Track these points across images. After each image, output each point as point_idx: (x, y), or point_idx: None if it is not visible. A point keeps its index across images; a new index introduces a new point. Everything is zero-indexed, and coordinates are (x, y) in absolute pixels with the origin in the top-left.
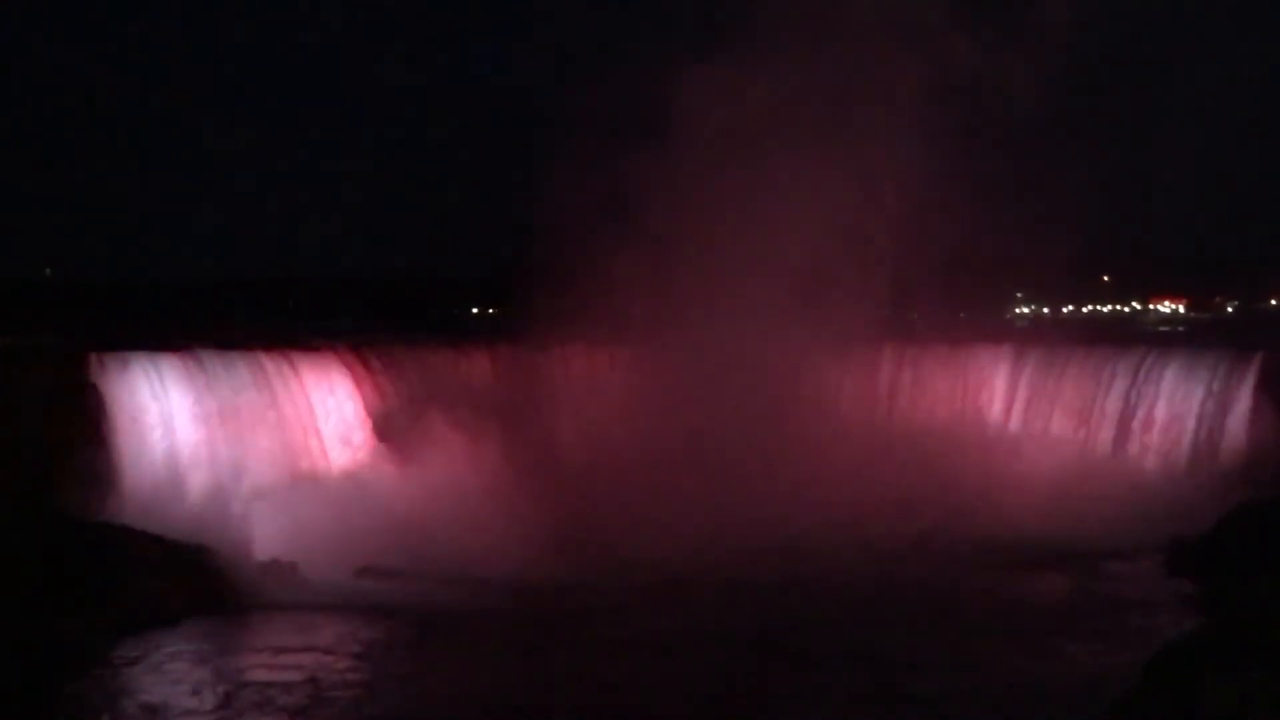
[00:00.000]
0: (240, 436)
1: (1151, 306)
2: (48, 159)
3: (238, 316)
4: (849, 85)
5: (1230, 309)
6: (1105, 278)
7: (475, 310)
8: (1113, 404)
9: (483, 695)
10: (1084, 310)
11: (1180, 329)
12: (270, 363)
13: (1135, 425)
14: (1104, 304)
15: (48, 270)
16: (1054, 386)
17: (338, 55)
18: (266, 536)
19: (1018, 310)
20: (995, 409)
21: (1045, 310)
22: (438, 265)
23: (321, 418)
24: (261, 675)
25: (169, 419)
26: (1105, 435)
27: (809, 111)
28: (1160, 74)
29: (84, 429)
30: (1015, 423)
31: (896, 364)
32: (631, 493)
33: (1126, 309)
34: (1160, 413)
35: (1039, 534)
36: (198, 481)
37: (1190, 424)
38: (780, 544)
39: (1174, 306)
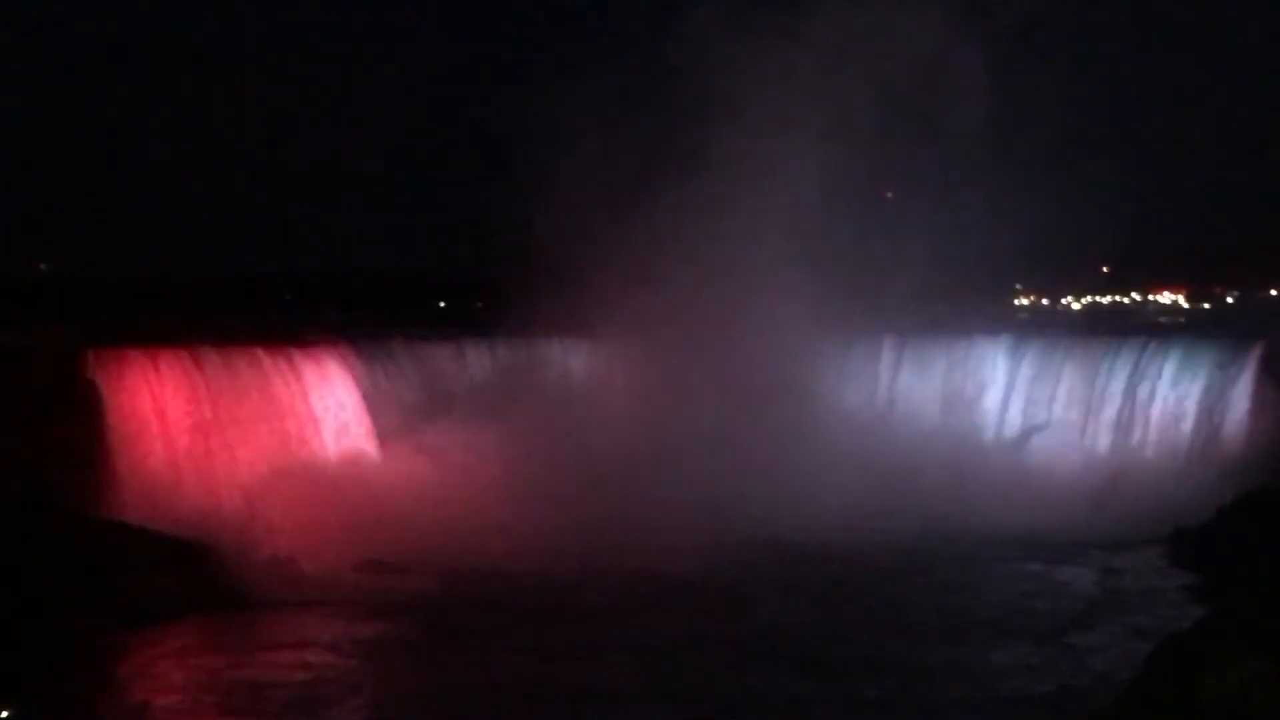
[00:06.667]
0: (238, 432)
1: (1151, 297)
2: (42, 154)
3: (235, 312)
4: (850, 74)
5: (1230, 299)
6: (1104, 268)
7: (474, 305)
8: (1113, 394)
9: (481, 693)
10: (1083, 301)
11: (1180, 320)
12: (268, 359)
13: (1135, 415)
14: (1103, 295)
15: (43, 266)
16: (1054, 377)
17: (334, 52)
18: (265, 532)
19: (1017, 301)
20: (995, 400)
21: (1044, 301)
22: (437, 260)
23: (320, 413)
24: (260, 671)
25: (166, 415)
26: (1105, 425)
27: (809, 102)
28: (1163, 66)
29: (82, 426)
30: (1015, 414)
31: (896, 356)
32: (633, 488)
33: (1126, 300)
34: (1160, 403)
35: (1040, 526)
36: (196, 477)
37: (1190, 414)
38: (784, 542)
39: (1173, 297)
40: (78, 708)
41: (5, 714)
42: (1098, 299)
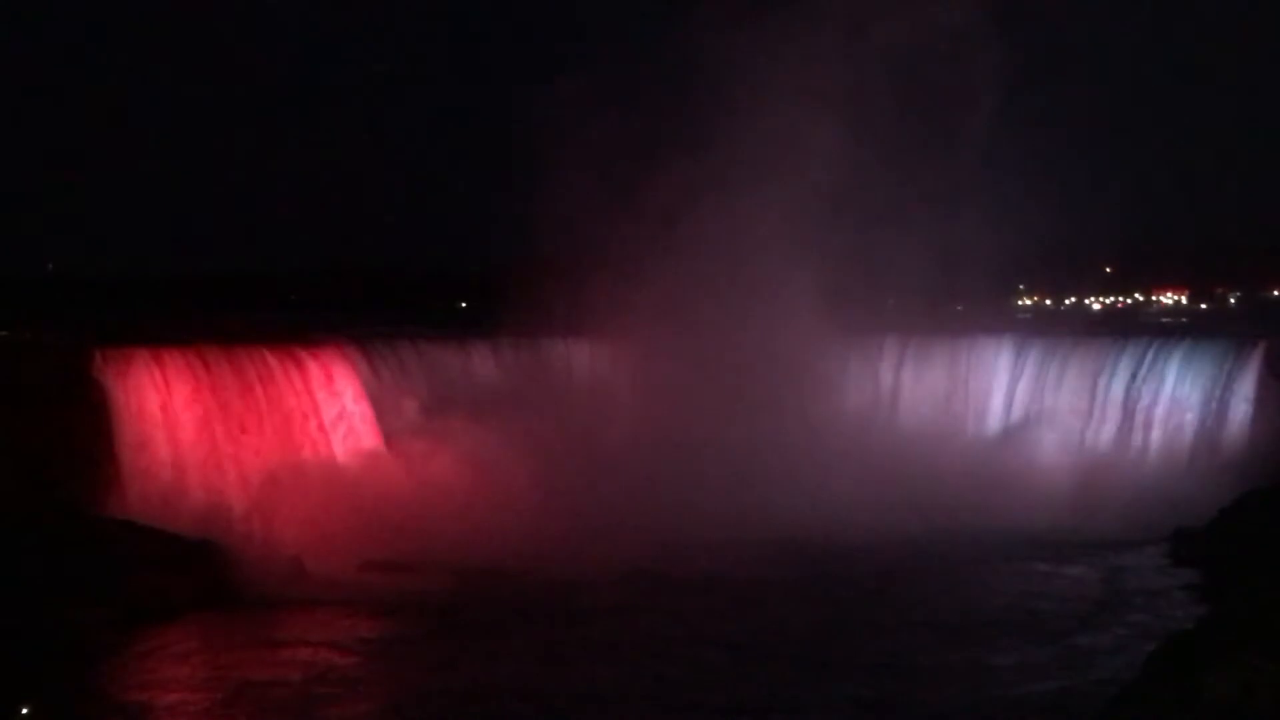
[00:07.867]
0: (244, 431)
1: (1154, 297)
2: (48, 154)
3: (241, 312)
4: (855, 73)
5: (1233, 300)
6: (1107, 269)
7: (478, 304)
8: (1115, 395)
9: (485, 692)
10: (1086, 302)
11: (1183, 320)
12: (274, 358)
13: (1138, 416)
14: (1106, 295)
15: (50, 265)
16: (1056, 378)
17: (334, 51)
18: (270, 531)
19: (1020, 302)
20: (998, 400)
21: (1047, 301)
22: (438, 260)
23: (325, 412)
24: (266, 670)
25: (172, 414)
26: (1108, 426)
27: (812, 102)
28: (1167, 68)
29: (88, 425)
30: (1017, 414)
31: (899, 356)
32: (636, 488)
33: (1128, 300)
34: (1163, 403)
35: (1043, 526)
36: (202, 477)
37: (1193, 414)
38: (786, 542)
39: (1176, 297)
40: (85, 705)
41: (25, 710)
42: (1101, 299)
